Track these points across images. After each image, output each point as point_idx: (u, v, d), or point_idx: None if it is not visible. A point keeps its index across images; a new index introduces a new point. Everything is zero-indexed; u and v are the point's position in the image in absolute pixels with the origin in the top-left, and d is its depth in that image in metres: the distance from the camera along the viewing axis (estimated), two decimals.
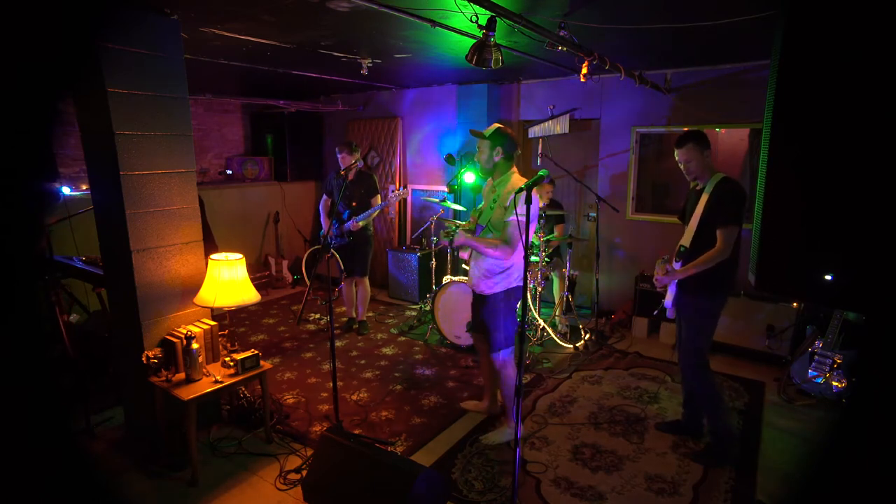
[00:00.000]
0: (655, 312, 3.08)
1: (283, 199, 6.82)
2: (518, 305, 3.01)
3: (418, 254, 5.77)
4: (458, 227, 2.86)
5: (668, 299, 2.89)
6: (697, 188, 2.82)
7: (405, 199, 6.48)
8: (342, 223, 4.57)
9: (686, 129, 4.86)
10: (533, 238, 4.50)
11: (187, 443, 2.72)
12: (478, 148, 2.90)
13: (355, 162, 3.93)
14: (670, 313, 2.92)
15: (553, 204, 4.86)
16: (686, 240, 2.77)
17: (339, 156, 4.49)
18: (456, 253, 5.05)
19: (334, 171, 4.74)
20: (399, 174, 6.44)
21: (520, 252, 2.84)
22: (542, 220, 4.46)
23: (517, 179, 2.82)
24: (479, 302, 3.01)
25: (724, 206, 2.64)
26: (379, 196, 4.62)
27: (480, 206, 3.06)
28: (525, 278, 2.14)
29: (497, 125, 2.89)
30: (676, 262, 2.79)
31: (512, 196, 2.63)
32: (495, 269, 2.86)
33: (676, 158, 2.82)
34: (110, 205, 2.80)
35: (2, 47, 1.03)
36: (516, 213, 2.61)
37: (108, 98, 2.61)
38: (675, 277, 2.76)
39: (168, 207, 2.93)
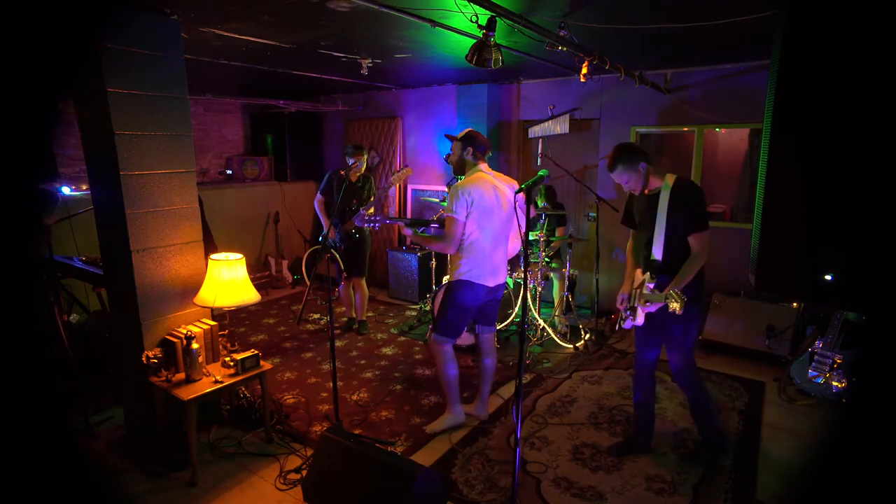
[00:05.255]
0: (616, 327, 2.82)
1: (283, 199, 6.82)
2: (471, 305, 3.08)
3: (418, 254, 5.77)
4: (396, 219, 3.12)
5: (640, 318, 2.60)
6: (647, 193, 2.65)
7: (405, 200, 6.49)
8: (345, 223, 4.56)
9: (686, 129, 4.87)
10: (532, 235, 4.50)
11: (187, 443, 2.72)
12: (451, 149, 3.13)
13: (362, 161, 3.92)
14: (628, 325, 2.67)
15: (555, 205, 4.86)
16: (657, 252, 2.57)
17: (349, 159, 4.46)
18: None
19: (333, 171, 4.73)
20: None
21: (478, 248, 2.97)
22: (542, 220, 4.46)
23: (475, 177, 2.97)
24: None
25: (691, 211, 2.51)
26: (373, 197, 4.63)
27: None
28: (525, 278, 2.14)
29: (469, 130, 3.12)
30: (654, 278, 2.58)
31: (454, 192, 2.90)
32: (453, 260, 3.06)
33: (614, 180, 2.69)
34: (110, 205, 2.80)
35: (2, 47, 1.03)
36: (454, 211, 2.88)
37: (108, 98, 2.61)
38: (662, 300, 2.45)
39: (168, 207, 2.93)
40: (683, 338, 2.68)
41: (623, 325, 2.71)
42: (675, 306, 2.36)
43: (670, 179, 2.58)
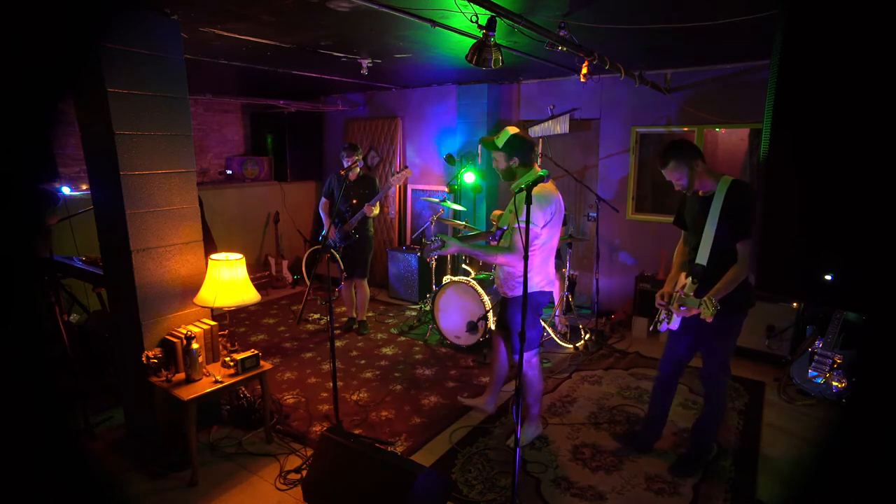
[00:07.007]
0: (651, 328, 2.81)
1: (283, 199, 6.82)
2: (542, 310, 3.00)
3: (418, 254, 5.77)
4: (444, 238, 2.68)
5: (675, 322, 2.58)
6: (701, 194, 2.55)
7: (405, 200, 6.48)
8: (345, 223, 4.57)
9: (686, 129, 4.87)
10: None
11: (187, 443, 2.72)
12: (493, 156, 2.88)
13: (357, 160, 3.93)
14: (663, 328, 2.66)
15: None
16: (702, 257, 2.46)
17: (344, 160, 4.48)
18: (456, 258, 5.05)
19: (334, 173, 4.75)
20: None
21: (544, 257, 2.83)
22: None
23: (548, 185, 2.76)
24: (503, 304, 3.02)
25: (743, 217, 2.37)
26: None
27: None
28: (525, 279, 2.14)
29: (511, 131, 2.83)
30: (696, 282, 2.47)
31: (534, 201, 2.64)
32: (516, 272, 2.84)
33: (665, 178, 2.57)
34: (110, 205, 2.80)
35: (2, 47, 1.03)
36: (532, 222, 2.58)
37: (108, 98, 2.61)
38: (696, 306, 2.38)
39: (168, 207, 2.93)
40: (719, 348, 2.62)
41: (659, 328, 2.67)
42: (706, 314, 2.31)
43: (726, 182, 2.45)
